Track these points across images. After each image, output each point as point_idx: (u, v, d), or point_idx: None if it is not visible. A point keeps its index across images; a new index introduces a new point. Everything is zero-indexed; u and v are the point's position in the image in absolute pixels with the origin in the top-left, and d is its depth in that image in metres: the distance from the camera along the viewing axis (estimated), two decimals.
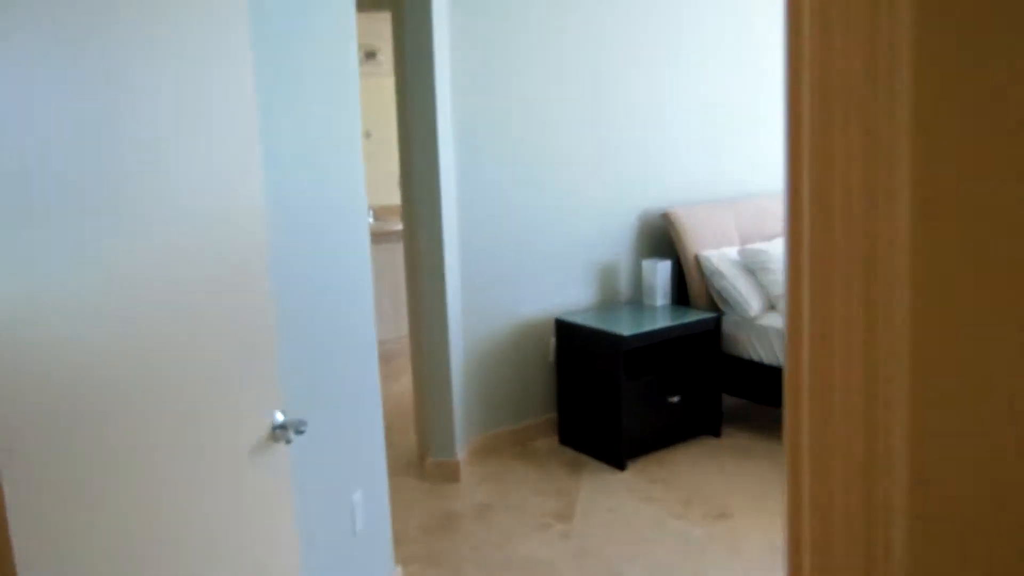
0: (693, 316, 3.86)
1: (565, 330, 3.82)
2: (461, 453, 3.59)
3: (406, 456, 3.77)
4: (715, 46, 4.34)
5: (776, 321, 3.85)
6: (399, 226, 5.02)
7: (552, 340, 3.94)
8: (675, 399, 3.78)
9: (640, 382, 3.65)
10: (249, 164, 1.41)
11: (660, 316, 3.87)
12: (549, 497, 3.38)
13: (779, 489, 3.42)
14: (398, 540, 2.96)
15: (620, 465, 3.65)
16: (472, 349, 3.69)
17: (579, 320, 3.81)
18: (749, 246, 4.01)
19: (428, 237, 3.42)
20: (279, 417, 1.55)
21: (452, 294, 3.49)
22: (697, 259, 4.08)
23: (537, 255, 3.84)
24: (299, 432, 1.56)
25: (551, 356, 3.96)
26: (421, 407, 3.63)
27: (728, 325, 3.99)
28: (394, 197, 5.38)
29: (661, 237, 4.28)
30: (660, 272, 4.00)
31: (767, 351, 3.86)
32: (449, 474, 3.54)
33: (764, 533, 3.05)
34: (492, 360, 3.78)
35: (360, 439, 2.31)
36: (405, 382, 4.49)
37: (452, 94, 3.43)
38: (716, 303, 4.06)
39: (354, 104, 2.19)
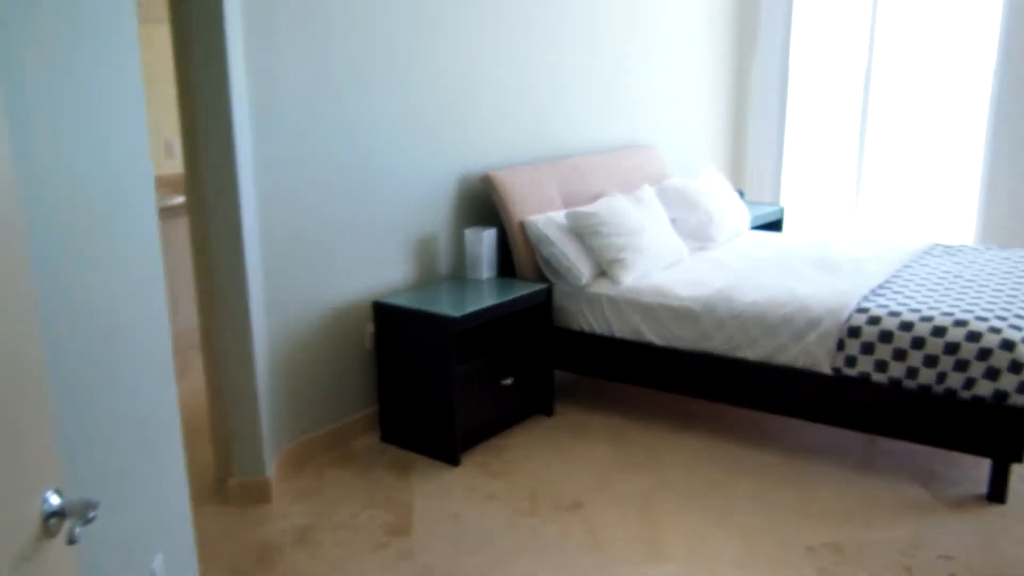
0: (523, 289, 3.53)
1: (384, 314, 3.36)
2: (271, 468, 3.06)
3: (201, 478, 3.16)
4: (531, 4, 3.98)
5: (607, 288, 3.61)
6: (178, 200, 4.29)
7: (369, 326, 3.47)
8: (508, 381, 3.45)
9: (471, 366, 3.28)
10: None
11: (488, 291, 3.51)
12: (380, 508, 2.95)
13: (622, 469, 3.19)
14: None
15: (454, 460, 3.27)
16: (278, 343, 3.15)
17: (400, 302, 3.37)
18: (577, 209, 3.74)
19: (221, 214, 2.82)
20: (53, 500, 1.02)
21: (253, 279, 2.92)
22: (522, 225, 3.75)
23: (348, 230, 3.33)
24: (87, 522, 1.04)
25: (369, 344, 3.49)
26: (218, 418, 3.04)
27: (558, 296, 3.71)
28: (166, 167, 4.61)
29: (482, 203, 3.90)
30: (485, 242, 3.63)
31: (599, 321, 3.62)
32: (258, 495, 3.00)
33: (621, 520, 2.80)
34: (302, 354, 3.25)
35: (160, 490, 1.75)
36: (194, 382, 3.83)
37: (246, 46, 2.82)
38: (544, 273, 3.76)
39: (131, 54, 1.60)
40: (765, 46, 5.56)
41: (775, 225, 5.27)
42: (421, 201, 3.62)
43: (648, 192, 4.05)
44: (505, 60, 3.92)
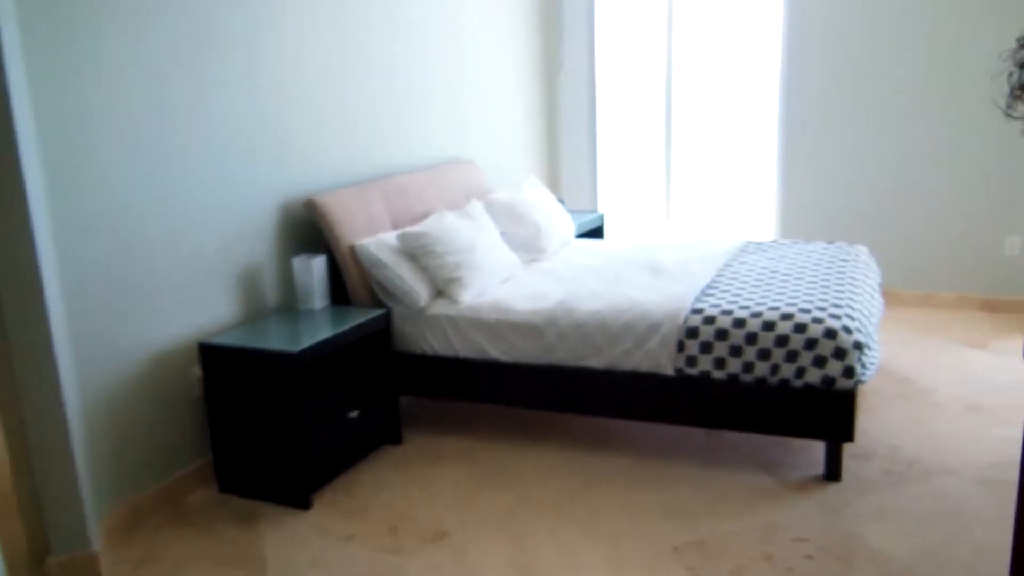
0: (360, 316, 3.38)
1: (212, 355, 3.10)
2: (97, 538, 2.73)
3: (12, 557, 2.77)
4: (343, 20, 3.84)
5: (447, 308, 3.54)
6: None
7: (196, 369, 3.19)
8: (354, 413, 3.29)
9: (314, 402, 3.09)
10: None
11: (324, 322, 3.33)
12: (229, 567, 2.71)
13: (481, 490, 3.13)
14: None
15: (304, 503, 3.07)
16: (93, 396, 2.82)
17: (229, 341, 3.12)
18: (408, 229, 3.64)
19: (11, 252, 2.48)
20: None
21: (56, 328, 2.59)
22: (353, 250, 3.60)
23: (162, 268, 3.05)
24: None
25: (197, 389, 3.22)
26: (26, 487, 2.67)
27: (397, 319, 3.59)
28: None
29: (308, 229, 3.71)
30: (315, 270, 3.45)
31: (441, 342, 3.54)
32: (85, 572, 2.67)
33: (489, 544, 2.74)
34: (122, 406, 2.94)
35: None
36: None
37: (27, 55, 2.50)
38: (380, 297, 3.63)
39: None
40: (571, 57, 5.71)
41: (597, 232, 5.41)
42: (242, 230, 3.38)
43: (477, 207, 4.02)
44: (320, 77, 3.75)
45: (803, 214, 5.35)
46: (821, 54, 5.10)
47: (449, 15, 4.71)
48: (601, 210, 5.93)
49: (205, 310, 3.24)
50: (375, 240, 3.61)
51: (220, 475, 3.21)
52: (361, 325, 3.31)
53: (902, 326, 4.75)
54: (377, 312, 3.43)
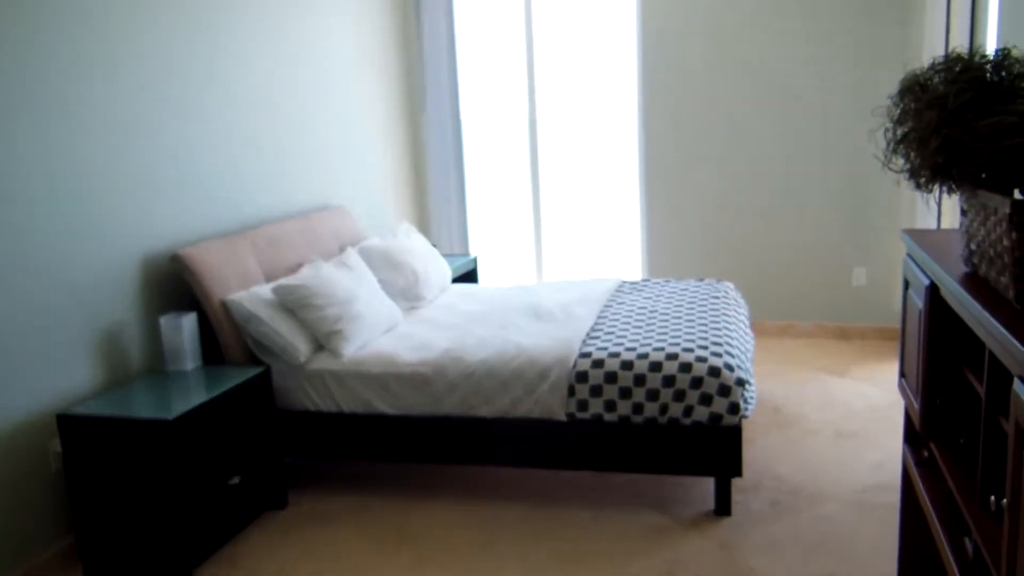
0: (237, 376, 3.20)
1: (73, 427, 2.84)
2: None
3: None
4: (205, 62, 3.67)
5: (329, 363, 3.41)
6: None
7: (55, 443, 2.92)
8: (235, 480, 3.09)
9: (191, 471, 2.88)
10: None
11: (198, 384, 3.13)
12: None
13: (376, 553, 3.00)
14: None
15: None
16: None
17: (92, 410, 2.88)
18: (284, 282, 3.49)
19: None
20: None
21: None
22: (225, 306, 3.41)
23: (15, 326, 2.78)
24: None
25: (56, 464, 2.93)
26: None
27: (277, 377, 3.42)
28: None
29: (175, 285, 3.49)
30: (185, 328, 3.24)
31: (325, 398, 3.40)
32: None
33: None
34: None
35: None
36: None
37: None
38: (257, 354, 3.45)
39: None
40: (433, 97, 5.69)
41: (471, 276, 5.39)
42: (101, 288, 3.14)
43: (353, 256, 3.91)
44: (182, 124, 3.57)
45: (669, 253, 5.53)
46: (677, 96, 5.33)
47: (311, 57, 4.61)
48: (473, 252, 5.92)
49: (63, 375, 2.97)
50: (248, 294, 3.44)
51: (85, 558, 2.93)
52: (239, 386, 3.13)
53: (769, 356, 4.96)
54: (253, 371, 3.26)
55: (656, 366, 3.10)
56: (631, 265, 5.75)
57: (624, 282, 4.45)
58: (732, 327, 3.58)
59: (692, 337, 3.34)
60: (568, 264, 5.96)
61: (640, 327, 3.55)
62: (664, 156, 5.42)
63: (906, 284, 2.31)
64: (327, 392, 3.40)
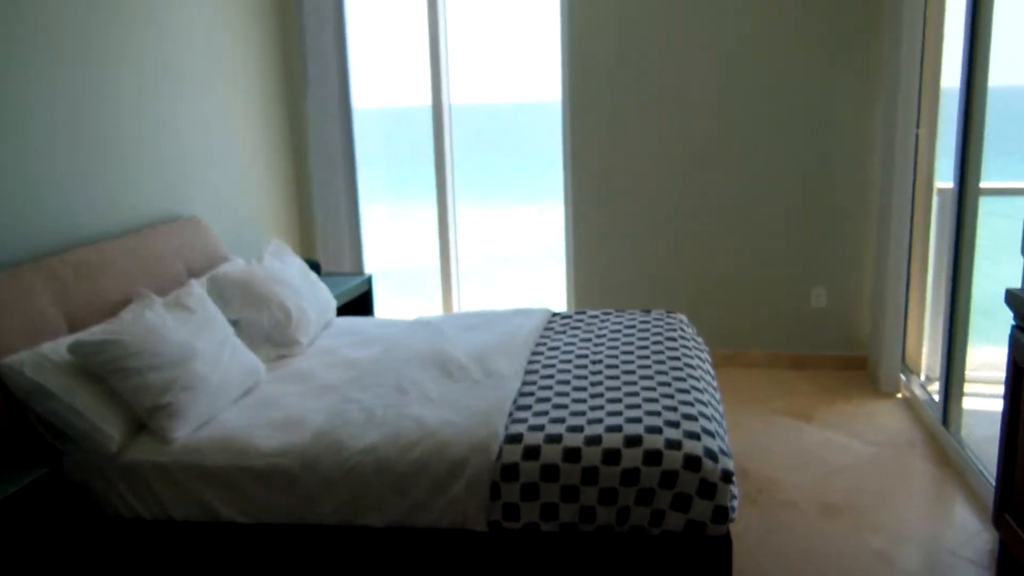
0: (9, 483, 2.17)
1: None
2: None
3: None
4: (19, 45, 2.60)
5: (153, 451, 2.42)
6: None
7: None
8: None
9: None
10: None
11: None
12: None
13: None
14: None
15: None
16: None
17: None
18: (85, 337, 2.47)
19: None
20: None
21: None
22: None
23: None
24: None
25: None
26: None
27: (75, 471, 2.41)
28: None
29: None
30: None
31: (146, 501, 2.41)
32: None
33: None
34: None
35: None
36: None
37: None
38: (48, 439, 2.43)
39: None
40: (318, 83, 4.68)
41: (364, 299, 4.43)
42: None
43: (196, 291, 2.91)
44: None
45: (600, 273, 4.69)
46: (610, 97, 4.48)
47: (155, 34, 3.55)
48: (369, 270, 4.96)
49: None
50: (33, 356, 2.41)
51: None
52: (14, 495, 2.11)
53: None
54: (36, 473, 2.24)
55: (612, 456, 2.24)
56: (555, 284, 4.89)
57: (554, 315, 3.58)
58: (701, 383, 2.75)
59: (654, 403, 2.50)
60: (483, 282, 5.06)
61: (583, 386, 2.68)
62: (594, 163, 4.57)
63: (1017, 372, 1.51)
64: (149, 493, 2.40)
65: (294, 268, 3.49)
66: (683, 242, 4.56)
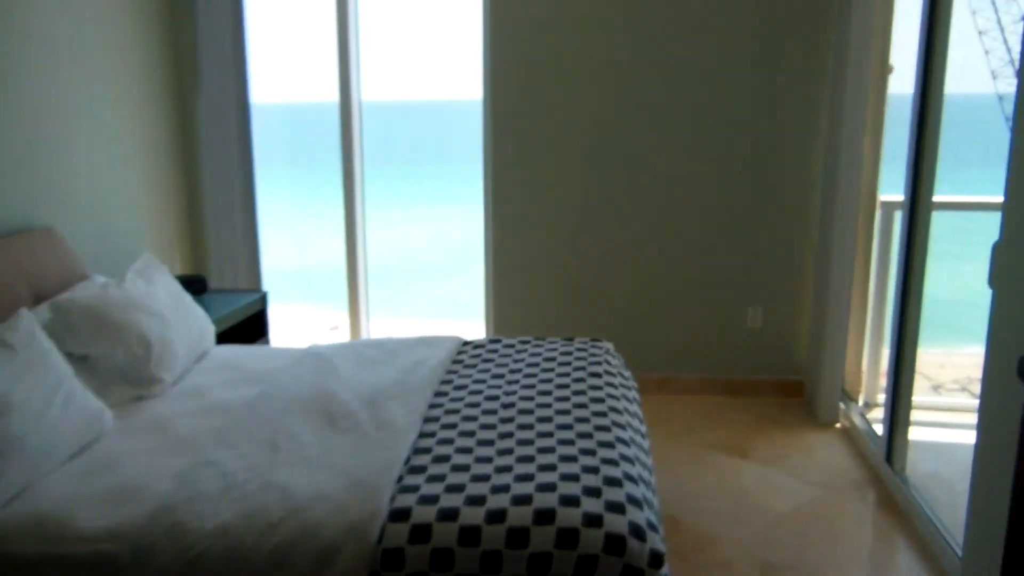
0: None
1: None
2: None
3: None
4: None
5: None
6: None
7: None
8: None
9: None
10: None
11: None
12: None
13: None
14: None
15: None
16: None
17: None
18: None
19: None
20: None
21: None
22: None
23: None
24: None
25: None
26: None
27: None
28: None
29: None
30: None
31: None
32: None
33: None
34: None
35: None
36: None
37: None
38: None
39: None
40: (212, 76, 4.18)
41: (258, 320, 3.95)
42: None
43: (24, 324, 2.39)
44: None
45: (521, 293, 4.30)
46: (534, 111, 4.09)
47: (7, 20, 3.03)
48: (269, 280, 4.48)
49: None
50: None
51: None
52: None
53: (647, 427, 3.83)
54: None
55: (519, 537, 1.84)
56: (475, 290, 4.48)
57: (466, 344, 3.16)
58: (627, 431, 2.37)
59: (572, 462, 2.11)
60: (398, 287, 4.62)
61: (490, 440, 2.28)
62: (516, 170, 4.17)
63: None
64: None
65: (162, 289, 3.00)
66: (612, 257, 4.19)
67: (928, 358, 3.02)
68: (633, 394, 2.81)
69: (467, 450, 2.22)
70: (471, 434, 2.32)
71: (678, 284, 4.19)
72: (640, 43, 3.98)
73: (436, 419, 2.44)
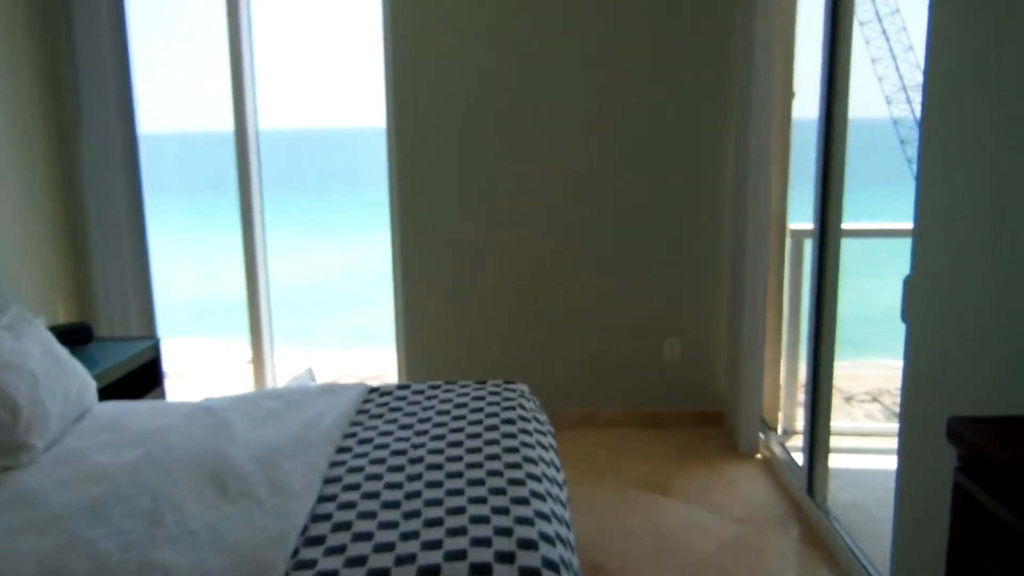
0: None
1: None
2: None
3: None
4: None
5: None
6: None
7: None
8: None
9: None
10: None
11: None
12: None
13: None
14: None
15: None
16: None
17: None
18: None
19: None
20: None
21: None
22: None
23: None
24: None
25: None
26: None
27: None
28: None
29: None
30: None
31: None
32: None
33: None
34: None
35: None
36: None
37: None
38: None
39: None
40: (93, 106, 3.92)
41: (150, 369, 3.68)
42: None
43: None
44: None
45: (432, 331, 4.14)
46: (440, 140, 3.97)
47: None
48: (166, 323, 4.21)
49: None
50: None
51: None
52: None
53: (567, 464, 3.69)
54: None
55: None
56: (386, 320, 4.30)
57: (372, 392, 2.99)
58: (543, 483, 2.24)
59: (484, 523, 1.96)
60: (306, 327, 4.40)
61: (395, 503, 2.11)
62: (423, 202, 4.04)
63: (961, 522, 1.08)
64: None
65: (34, 344, 2.74)
66: (527, 288, 4.08)
67: (839, 371, 3.03)
68: (549, 440, 2.68)
69: (370, 515, 2.05)
70: (375, 495, 2.15)
71: (594, 316, 4.10)
72: (548, 73, 3.90)
73: (338, 479, 2.25)
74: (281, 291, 4.62)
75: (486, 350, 4.12)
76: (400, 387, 3.01)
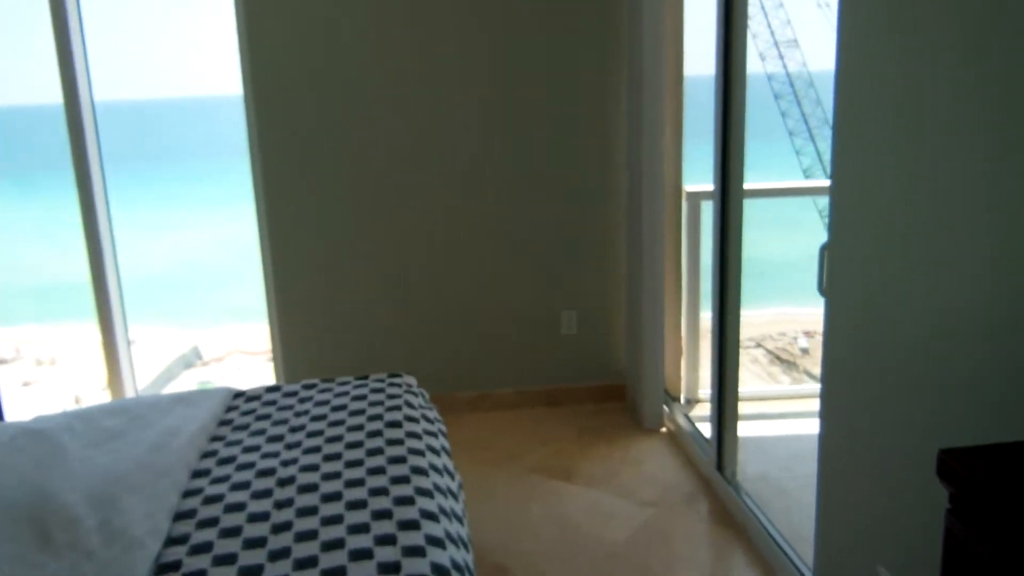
0: None
1: None
2: None
3: None
4: None
5: None
6: None
7: None
8: None
9: None
10: None
11: None
12: None
13: None
14: None
15: None
16: None
17: None
18: None
19: None
20: None
21: None
22: None
23: None
24: None
25: None
26: None
27: None
28: None
29: None
30: None
31: None
32: None
33: None
34: None
35: None
36: None
37: None
38: None
39: None
40: None
41: None
42: None
43: None
44: None
45: (309, 318, 3.78)
46: (304, 107, 3.57)
47: None
48: (8, 313, 3.68)
49: None
50: None
51: None
52: None
53: (462, 452, 3.44)
54: None
55: None
56: (256, 300, 3.91)
57: (237, 397, 2.62)
58: (434, 498, 1.96)
59: (366, 558, 1.66)
60: (166, 299, 3.94)
61: (260, 540, 1.78)
62: (289, 174, 3.64)
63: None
64: None
65: None
66: (409, 267, 3.76)
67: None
68: (440, 442, 2.39)
69: (230, 559, 1.72)
70: (236, 532, 1.82)
71: (487, 293, 3.82)
72: (426, 34, 3.56)
73: (191, 514, 1.91)
74: (155, 272, 4.13)
75: (371, 335, 3.79)
76: (270, 389, 2.66)
